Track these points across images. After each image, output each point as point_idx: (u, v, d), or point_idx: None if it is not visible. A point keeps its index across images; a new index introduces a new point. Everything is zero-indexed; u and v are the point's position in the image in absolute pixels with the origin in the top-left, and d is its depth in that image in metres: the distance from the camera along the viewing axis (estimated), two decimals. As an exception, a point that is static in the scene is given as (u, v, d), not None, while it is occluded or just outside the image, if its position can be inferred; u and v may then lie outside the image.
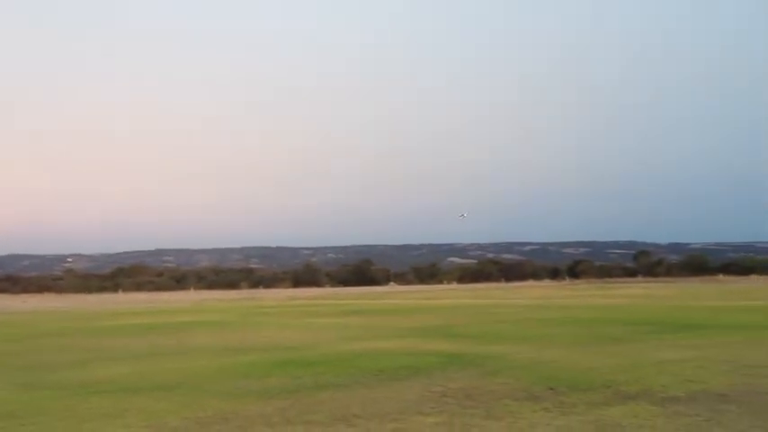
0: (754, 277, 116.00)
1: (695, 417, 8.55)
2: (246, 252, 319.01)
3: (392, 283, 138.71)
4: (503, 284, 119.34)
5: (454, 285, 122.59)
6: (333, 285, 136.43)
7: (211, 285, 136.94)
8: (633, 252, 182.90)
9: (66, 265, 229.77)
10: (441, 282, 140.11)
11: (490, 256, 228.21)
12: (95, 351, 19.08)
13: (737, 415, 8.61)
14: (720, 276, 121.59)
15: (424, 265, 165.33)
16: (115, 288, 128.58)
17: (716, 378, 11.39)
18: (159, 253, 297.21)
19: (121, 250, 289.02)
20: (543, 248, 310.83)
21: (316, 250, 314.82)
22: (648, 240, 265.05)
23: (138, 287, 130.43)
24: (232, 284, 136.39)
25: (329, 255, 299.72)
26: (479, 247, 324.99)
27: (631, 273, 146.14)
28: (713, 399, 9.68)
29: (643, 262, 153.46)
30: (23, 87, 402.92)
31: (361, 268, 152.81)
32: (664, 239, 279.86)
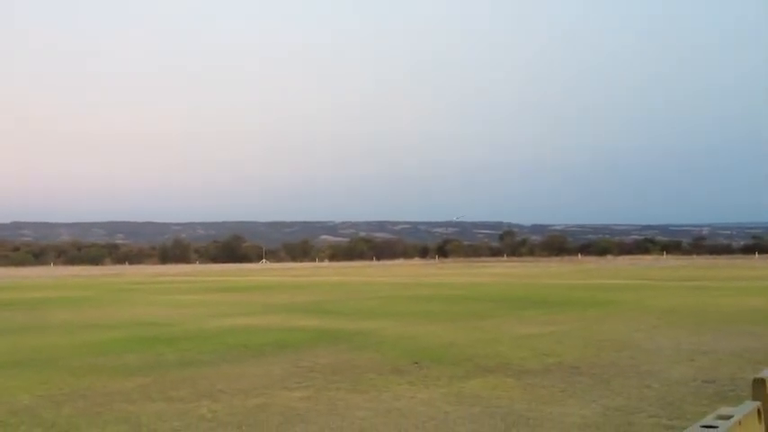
0: (609, 257, 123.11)
1: (550, 388, 8.97)
2: (111, 227, 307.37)
3: (264, 260, 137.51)
4: (374, 263, 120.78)
5: (326, 263, 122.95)
6: (202, 262, 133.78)
7: (73, 261, 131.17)
8: (499, 233, 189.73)
9: None
10: (313, 259, 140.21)
11: (362, 234, 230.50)
12: (-60, 328, 17.84)
13: (589, 386, 9.10)
14: (579, 256, 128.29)
15: (297, 243, 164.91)
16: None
17: (570, 352, 12.00)
18: (16, 226, 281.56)
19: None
20: (414, 228, 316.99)
21: (185, 226, 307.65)
22: (513, 221, 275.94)
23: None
24: (95, 260, 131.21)
25: (199, 231, 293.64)
26: (352, 225, 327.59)
27: (497, 252, 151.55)
28: (567, 371, 10.19)
29: (508, 242, 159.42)
30: None
31: (231, 245, 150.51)
32: (527, 221, 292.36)
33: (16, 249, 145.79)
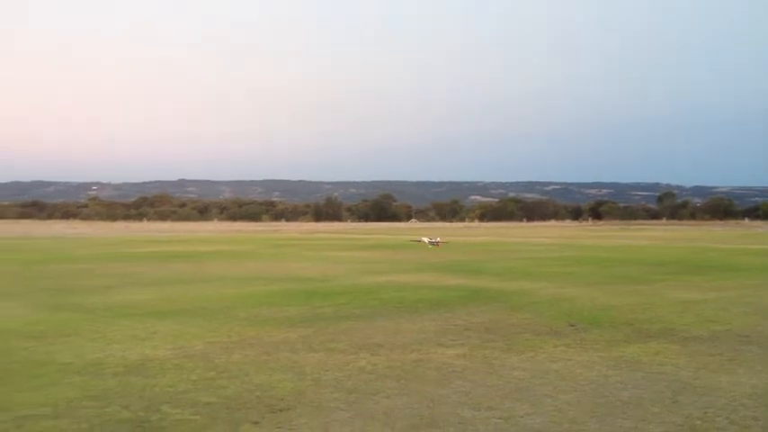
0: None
1: (717, 356, 8.54)
2: (268, 185, 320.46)
3: (414, 219, 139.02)
4: (524, 223, 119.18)
5: (476, 223, 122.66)
6: (354, 220, 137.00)
7: (233, 216, 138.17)
8: (657, 194, 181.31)
9: (91, 193, 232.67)
10: (462, 219, 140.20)
11: (512, 194, 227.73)
12: (121, 277, 19.38)
13: (759, 356, 8.59)
14: (745, 221, 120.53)
15: (446, 202, 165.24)
16: (139, 217, 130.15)
17: (737, 319, 11.36)
18: (182, 183, 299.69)
19: (145, 180, 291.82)
20: (565, 188, 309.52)
21: (337, 185, 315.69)
22: (673, 183, 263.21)
23: (162, 217, 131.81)
24: (254, 217, 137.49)
25: (351, 190, 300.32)
26: (501, 185, 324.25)
27: (655, 215, 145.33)
28: (735, 339, 9.66)
29: (667, 204, 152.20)
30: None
31: (381, 204, 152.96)
32: (688, 182, 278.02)
33: (183, 205, 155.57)
